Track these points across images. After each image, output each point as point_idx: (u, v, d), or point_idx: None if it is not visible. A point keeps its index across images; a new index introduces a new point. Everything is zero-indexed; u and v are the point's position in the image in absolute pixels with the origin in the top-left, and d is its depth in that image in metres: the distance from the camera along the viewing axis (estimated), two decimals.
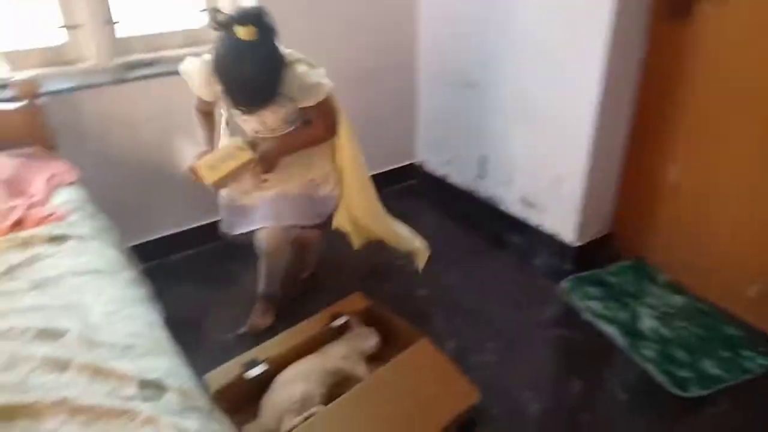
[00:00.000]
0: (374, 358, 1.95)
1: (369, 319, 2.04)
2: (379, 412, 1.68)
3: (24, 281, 1.40)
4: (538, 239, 2.60)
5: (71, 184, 1.85)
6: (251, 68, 1.63)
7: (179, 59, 1.94)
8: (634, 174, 2.44)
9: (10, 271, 1.44)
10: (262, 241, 2.00)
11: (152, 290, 1.66)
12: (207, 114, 1.96)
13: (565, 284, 2.37)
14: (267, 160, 1.87)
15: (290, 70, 1.76)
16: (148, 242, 2.46)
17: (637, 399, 1.86)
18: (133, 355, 1.19)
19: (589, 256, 2.49)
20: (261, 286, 2.16)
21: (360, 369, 1.88)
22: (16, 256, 1.49)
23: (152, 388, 1.11)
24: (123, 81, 2.21)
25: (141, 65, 2.32)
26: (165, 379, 1.13)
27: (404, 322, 1.97)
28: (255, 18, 1.59)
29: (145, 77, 2.25)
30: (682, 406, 1.83)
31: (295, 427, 1.62)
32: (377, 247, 2.58)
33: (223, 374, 1.76)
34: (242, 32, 1.58)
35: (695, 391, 1.85)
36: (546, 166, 2.48)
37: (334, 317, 1.99)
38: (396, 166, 3.17)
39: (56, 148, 2.04)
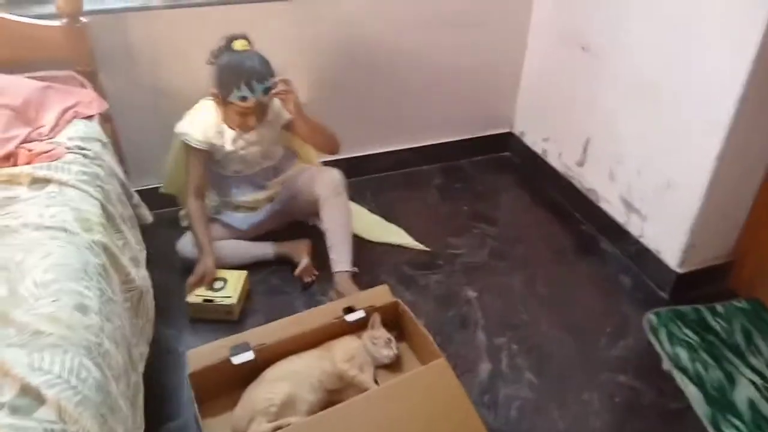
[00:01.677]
0: (383, 366, 1.69)
1: (389, 317, 1.76)
2: None
3: None
4: (633, 252, 2.13)
5: (90, 117, 1.72)
6: (256, 57, 1.82)
7: None
8: None
9: None
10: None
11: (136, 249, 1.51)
12: (201, 199, 2.01)
13: (652, 316, 1.91)
14: (296, 102, 1.88)
15: None
16: None
17: None
18: (35, 345, 1.02)
19: (694, 288, 1.99)
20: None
21: (365, 378, 1.62)
22: None
23: (30, 397, 0.93)
24: (178, 6, 2.01)
25: None
26: (48, 388, 0.94)
27: (425, 333, 1.66)
28: (243, 35, 1.85)
29: (201, 4, 2.03)
30: None
31: None
32: (439, 233, 2.28)
33: (206, 354, 1.57)
34: (238, 45, 1.82)
35: None
36: (658, 164, 1.97)
37: (350, 309, 1.73)
38: (490, 133, 2.75)
39: (96, 73, 1.91)
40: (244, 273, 1.95)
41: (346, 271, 1.94)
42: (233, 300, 1.86)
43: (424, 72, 2.46)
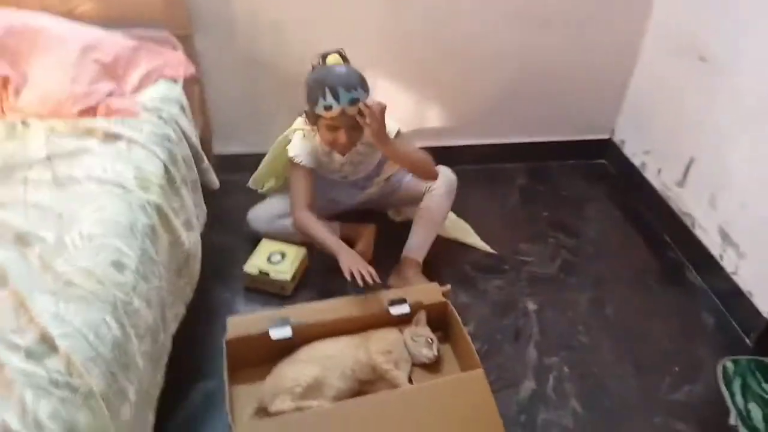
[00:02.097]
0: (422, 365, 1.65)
1: (436, 316, 1.69)
2: None
3: (52, 174, 1.37)
4: (723, 290, 1.91)
5: (175, 79, 1.77)
6: (346, 68, 1.72)
7: None
8: None
9: (52, 158, 1.42)
10: None
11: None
12: (312, 211, 1.89)
13: (729, 364, 1.72)
14: (380, 129, 1.72)
15: None
16: (260, 154, 2.22)
17: None
18: (64, 295, 1.08)
19: None
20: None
21: (398, 375, 1.57)
22: (68, 144, 1.46)
23: (46, 345, 0.98)
24: None
25: None
26: (63, 339, 0.99)
27: (469, 340, 1.58)
28: (337, 51, 1.75)
29: None
30: None
31: (279, 413, 1.43)
32: (511, 237, 2.17)
33: (246, 323, 1.59)
34: (331, 59, 1.73)
35: None
36: (766, 196, 1.75)
37: (396, 302, 1.68)
38: (587, 138, 2.57)
39: (191, 36, 1.97)
40: (303, 250, 1.95)
41: (416, 260, 1.91)
42: (287, 276, 1.87)
43: (521, 67, 2.32)
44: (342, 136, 1.75)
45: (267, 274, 1.88)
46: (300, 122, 1.89)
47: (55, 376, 0.94)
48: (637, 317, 1.89)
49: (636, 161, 2.41)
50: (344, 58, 1.75)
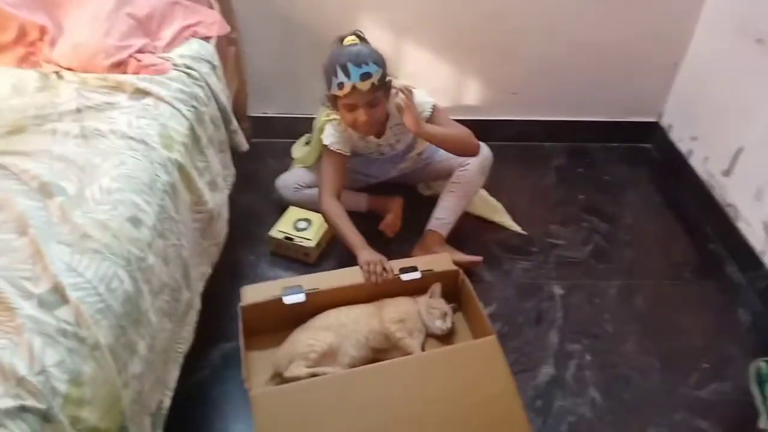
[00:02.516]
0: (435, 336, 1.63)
1: (449, 286, 1.66)
2: (398, 402, 1.37)
3: (79, 126, 1.37)
4: (763, 287, 1.83)
5: (208, 38, 1.76)
6: (359, 46, 1.68)
7: None
8: None
9: (80, 110, 1.43)
10: None
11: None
12: (338, 199, 1.85)
13: (762, 364, 1.63)
14: (413, 118, 1.69)
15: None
16: (295, 117, 2.28)
17: None
18: (79, 247, 1.08)
19: None
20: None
21: (411, 343, 1.56)
22: (96, 98, 1.47)
23: (57, 295, 0.99)
24: None
25: None
26: (74, 290, 1.00)
27: (481, 309, 1.54)
28: (354, 32, 1.72)
29: None
30: None
31: (294, 378, 1.43)
32: (543, 218, 2.12)
33: (260, 291, 1.59)
34: (347, 40, 1.69)
35: None
36: None
37: (408, 270, 1.65)
38: (633, 120, 2.46)
39: None
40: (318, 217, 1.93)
41: (439, 233, 1.88)
42: (312, 243, 1.87)
43: (567, 40, 2.23)
44: (361, 115, 1.70)
45: (291, 240, 1.88)
46: (326, 112, 1.86)
47: (64, 326, 0.95)
48: (668, 309, 1.82)
49: (682, 147, 2.30)
50: (362, 39, 1.71)
